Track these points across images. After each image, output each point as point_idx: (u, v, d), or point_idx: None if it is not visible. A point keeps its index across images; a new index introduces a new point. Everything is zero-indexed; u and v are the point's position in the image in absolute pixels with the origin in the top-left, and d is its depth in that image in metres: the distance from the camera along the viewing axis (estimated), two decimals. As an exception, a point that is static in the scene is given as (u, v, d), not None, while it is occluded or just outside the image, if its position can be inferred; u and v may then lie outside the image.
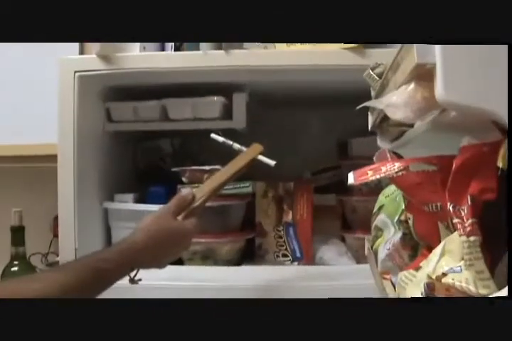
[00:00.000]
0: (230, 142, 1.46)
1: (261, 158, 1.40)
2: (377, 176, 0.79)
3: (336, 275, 1.49)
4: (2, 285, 1.06)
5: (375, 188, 1.44)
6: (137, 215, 1.60)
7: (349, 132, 1.72)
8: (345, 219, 1.75)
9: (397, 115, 0.79)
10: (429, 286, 0.68)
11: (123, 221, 1.64)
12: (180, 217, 1.25)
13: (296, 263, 1.64)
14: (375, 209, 1.09)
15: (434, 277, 0.68)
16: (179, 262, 1.60)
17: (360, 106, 0.96)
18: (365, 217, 1.44)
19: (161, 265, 1.22)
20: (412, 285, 0.74)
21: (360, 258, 1.61)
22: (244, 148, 1.43)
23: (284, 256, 1.65)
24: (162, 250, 1.19)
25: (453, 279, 0.65)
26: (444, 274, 0.67)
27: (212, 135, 1.49)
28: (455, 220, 0.66)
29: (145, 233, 1.18)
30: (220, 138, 1.48)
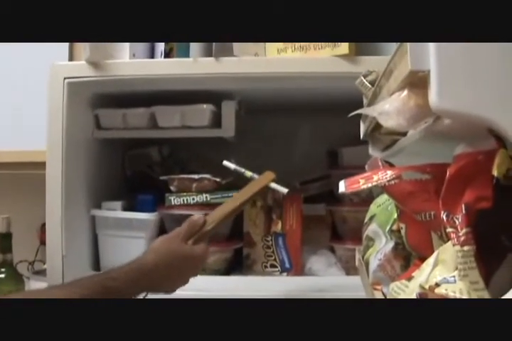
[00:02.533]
0: (242, 169, 1.46)
1: (273, 185, 1.40)
2: (369, 184, 0.77)
3: (325, 286, 1.48)
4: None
5: (366, 198, 1.43)
6: (125, 223, 1.60)
7: (340, 141, 1.72)
8: (335, 229, 1.74)
9: (389, 123, 0.78)
10: (422, 296, 0.67)
11: (110, 229, 1.63)
12: (190, 242, 1.24)
13: (285, 273, 1.62)
14: (367, 219, 1.08)
15: (427, 287, 0.66)
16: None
17: (353, 113, 0.95)
18: (355, 227, 1.44)
19: (169, 289, 1.21)
20: (404, 296, 0.73)
21: (349, 269, 1.60)
22: (256, 176, 1.43)
23: (273, 266, 1.63)
24: (171, 273, 1.18)
25: (446, 289, 0.64)
26: (438, 284, 0.65)
27: (225, 162, 1.48)
28: (449, 229, 0.65)
29: (155, 255, 1.18)
30: (232, 166, 1.47)
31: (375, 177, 0.78)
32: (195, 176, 1.59)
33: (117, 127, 1.63)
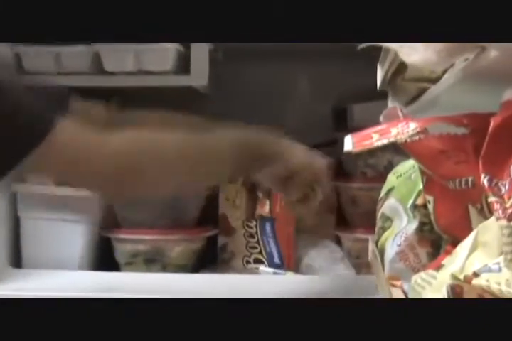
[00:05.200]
0: None
1: None
2: (385, 141, 0.77)
3: (328, 289, 1.48)
4: None
5: (384, 172, 1.43)
6: (58, 202, 1.58)
7: (349, 94, 1.72)
8: (342, 213, 1.75)
9: (413, 58, 0.78)
10: (455, 290, 0.66)
11: (38, 210, 1.62)
12: None
13: (273, 271, 1.63)
14: (383, 194, 1.07)
15: (461, 278, 0.66)
16: (114, 267, 1.58)
17: (363, 46, 0.94)
18: (369, 210, 1.44)
19: None
20: (430, 290, 0.72)
21: (361, 266, 1.60)
22: None
23: (258, 261, 1.64)
24: None
25: (488, 280, 0.63)
26: (476, 274, 0.65)
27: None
28: (491, 198, 0.65)
29: None
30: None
31: (394, 131, 0.77)
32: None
33: (48, 72, 1.62)
